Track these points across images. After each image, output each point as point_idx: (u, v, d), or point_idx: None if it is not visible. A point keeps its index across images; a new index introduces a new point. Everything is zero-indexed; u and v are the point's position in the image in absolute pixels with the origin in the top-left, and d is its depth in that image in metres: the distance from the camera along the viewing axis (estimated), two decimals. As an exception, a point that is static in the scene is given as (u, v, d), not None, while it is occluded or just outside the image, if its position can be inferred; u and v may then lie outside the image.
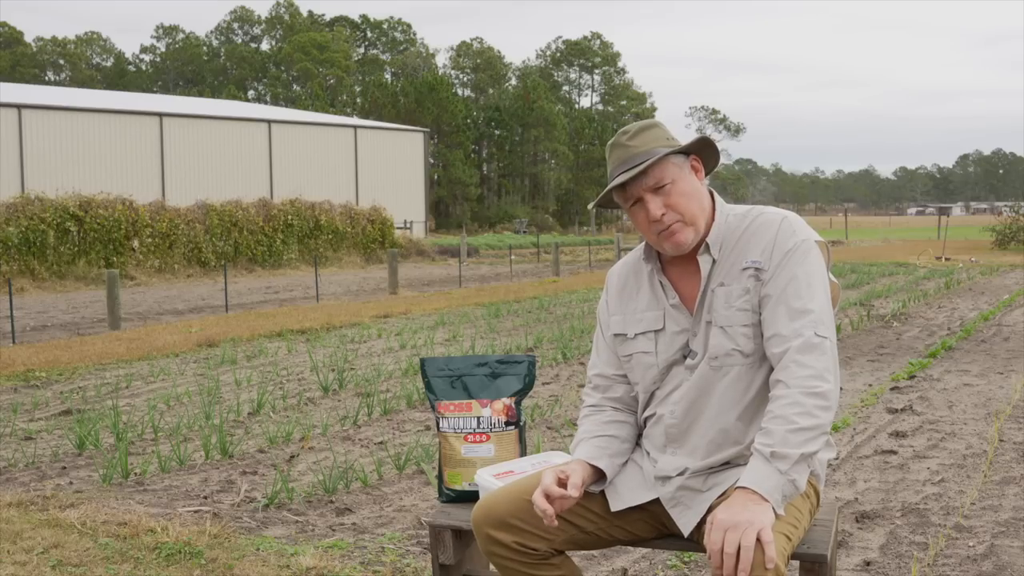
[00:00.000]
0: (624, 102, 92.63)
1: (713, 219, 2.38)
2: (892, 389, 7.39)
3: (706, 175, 2.43)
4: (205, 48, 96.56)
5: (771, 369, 2.26)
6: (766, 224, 2.34)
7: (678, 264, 2.42)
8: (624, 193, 2.35)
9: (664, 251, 2.38)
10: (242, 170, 44.98)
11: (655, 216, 2.31)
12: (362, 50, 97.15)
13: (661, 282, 2.42)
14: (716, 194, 2.43)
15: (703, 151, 2.40)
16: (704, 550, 2.09)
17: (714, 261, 2.34)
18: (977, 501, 4.49)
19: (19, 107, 38.28)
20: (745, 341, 2.29)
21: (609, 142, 2.40)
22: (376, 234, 33.06)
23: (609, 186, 2.36)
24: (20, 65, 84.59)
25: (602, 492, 2.41)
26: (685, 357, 2.36)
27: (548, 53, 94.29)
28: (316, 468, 5.34)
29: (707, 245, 2.35)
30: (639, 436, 2.52)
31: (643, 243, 2.48)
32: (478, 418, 2.87)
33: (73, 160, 39.12)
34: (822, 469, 2.48)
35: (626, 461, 2.46)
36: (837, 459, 5.26)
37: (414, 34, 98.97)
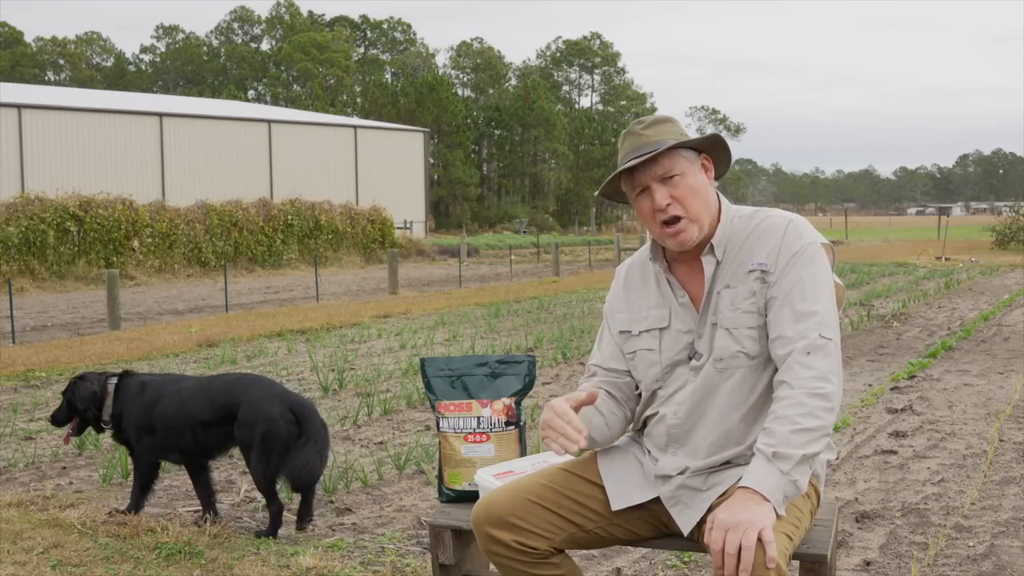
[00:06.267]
0: (624, 102, 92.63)
1: (719, 220, 2.38)
2: (892, 389, 7.39)
3: (717, 179, 2.42)
4: (205, 48, 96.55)
5: (775, 371, 2.26)
6: (772, 227, 2.34)
7: (684, 264, 2.42)
8: (632, 180, 2.35)
9: (667, 246, 2.38)
10: (242, 170, 44.95)
11: (660, 205, 2.30)
12: (362, 50, 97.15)
13: (669, 281, 2.42)
14: (722, 196, 2.44)
15: (715, 150, 2.40)
16: (704, 550, 2.09)
17: (718, 263, 2.35)
18: (977, 501, 4.49)
19: (19, 107, 38.26)
20: (751, 343, 2.29)
21: (623, 131, 2.40)
22: (376, 234, 33.05)
23: (618, 169, 2.35)
24: (20, 65, 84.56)
25: (603, 490, 2.42)
26: (690, 358, 2.36)
27: (548, 53, 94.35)
28: (316, 468, 5.33)
29: (711, 246, 2.35)
30: (638, 432, 2.52)
31: (650, 241, 2.48)
32: (478, 418, 2.87)
33: (73, 160, 39.09)
34: (822, 469, 2.48)
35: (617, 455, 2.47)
36: (837, 459, 5.26)
37: (414, 34, 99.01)
